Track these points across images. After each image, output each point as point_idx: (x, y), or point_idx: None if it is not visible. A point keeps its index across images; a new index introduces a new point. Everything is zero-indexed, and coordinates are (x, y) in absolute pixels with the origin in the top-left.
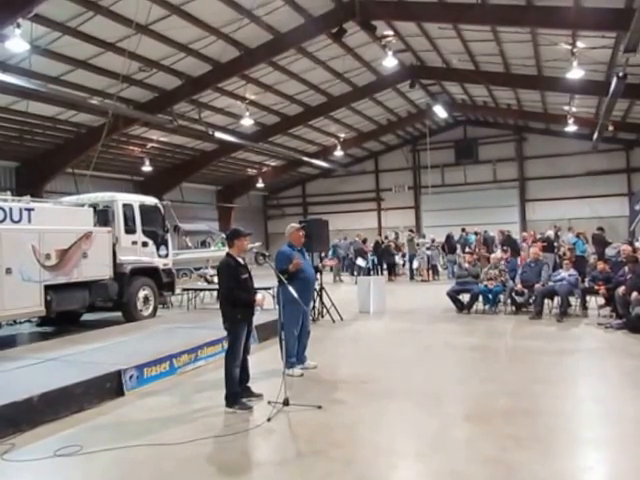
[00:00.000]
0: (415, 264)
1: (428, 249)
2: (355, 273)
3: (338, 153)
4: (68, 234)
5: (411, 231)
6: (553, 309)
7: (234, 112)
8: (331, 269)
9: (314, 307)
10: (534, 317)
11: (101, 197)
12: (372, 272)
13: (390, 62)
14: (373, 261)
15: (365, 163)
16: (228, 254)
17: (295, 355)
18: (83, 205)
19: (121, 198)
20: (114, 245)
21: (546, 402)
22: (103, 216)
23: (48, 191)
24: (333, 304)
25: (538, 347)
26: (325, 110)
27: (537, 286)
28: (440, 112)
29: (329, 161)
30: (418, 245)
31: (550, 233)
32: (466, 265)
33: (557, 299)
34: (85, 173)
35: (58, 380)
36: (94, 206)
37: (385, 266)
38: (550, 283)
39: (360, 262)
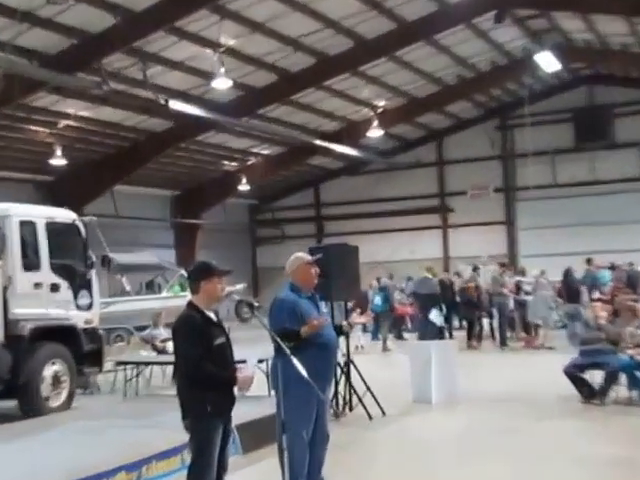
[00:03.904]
0: (525, 315)
1: (528, 294)
2: (418, 333)
3: (374, 133)
4: None
5: (502, 265)
6: None
7: (201, 67)
8: (364, 326)
9: (336, 393)
10: None
11: None
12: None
13: None
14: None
15: (420, 150)
16: (191, 305)
17: (305, 476)
18: None
19: (16, 212)
20: (4, 289)
21: None
22: None
23: None
24: (369, 388)
25: None
26: (352, 62)
27: None
28: (547, 63)
29: (359, 147)
30: (520, 287)
31: None
32: (601, 321)
33: None
34: None
35: None
36: None
37: (460, 323)
38: None
39: (435, 317)
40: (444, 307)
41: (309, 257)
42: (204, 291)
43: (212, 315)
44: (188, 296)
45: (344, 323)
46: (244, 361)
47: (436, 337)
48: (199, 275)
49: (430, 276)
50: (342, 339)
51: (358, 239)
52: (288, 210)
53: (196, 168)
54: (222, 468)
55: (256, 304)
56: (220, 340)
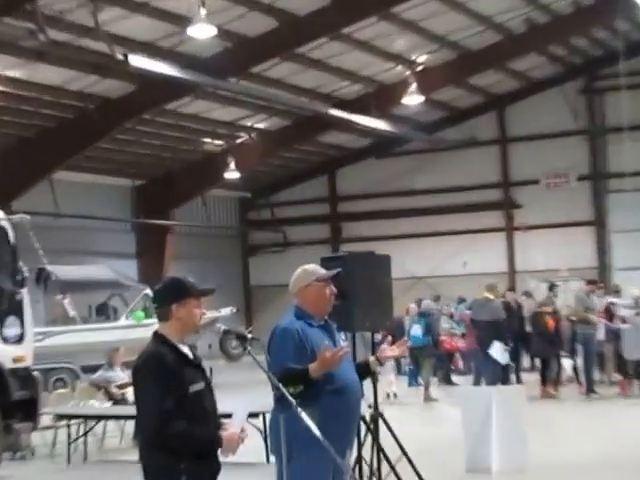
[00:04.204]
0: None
1: (625, 321)
2: (473, 376)
3: (412, 100)
4: None
5: (590, 282)
6: None
7: (172, 10)
8: (398, 367)
9: (359, 459)
10: None
11: None
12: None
13: None
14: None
15: (476, 122)
16: (159, 337)
17: None
18: None
19: None
20: None
21: None
22: None
23: None
24: (405, 452)
25: None
26: (380, 0)
27: None
28: None
29: (391, 119)
30: (613, 312)
31: None
32: None
33: None
34: None
35: None
36: None
37: (532, 362)
38: None
39: (496, 351)
40: (510, 339)
41: (323, 271)
42: (177, 318)
43: (187, 351)
44: (155, 325)
45: (370, 359)
46: (230, 415)
47: (499, 381)
48: (170, 296)
49: (491, 297)
50: (367, 384)
51: (390, 246)
52: (293, 206)
53: (166, 148)
54: None
55: (249, 336)
56: (198, 386)
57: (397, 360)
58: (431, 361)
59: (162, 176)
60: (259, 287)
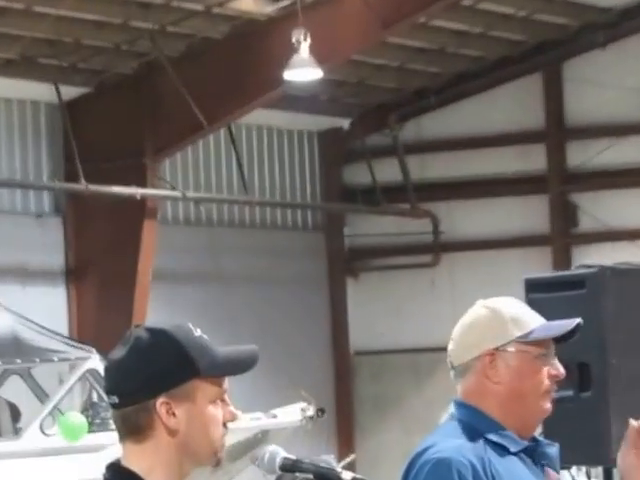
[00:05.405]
0: None
1: None
2: None
3: None
4: None
5: None
6: None
7: None
8: None
9: None
10: None
11: None
12: None
13: None
14: None
15: None
16: (125, 475)
17: None
18: None
19: None
20: None
21: None
22: None
23: None
24: None
25: None
26: None
27: None
28: None
29: None
30: None
31: None
32: None
33: None
34: None
35: None
36: None
37: None
38: None
39: None
40: None
41: (540, 320)
42: (169, 431)
43: None
44: (113, 448)
45: None
46: None
47: None
48: (150, 376)
49: None
50: None
51: None
52: (454, 153)
53: (143, 9)
54: None
55: (346, 476)
56: None
57: None
58: None
59: (131, 77)
60: (371, 354)
